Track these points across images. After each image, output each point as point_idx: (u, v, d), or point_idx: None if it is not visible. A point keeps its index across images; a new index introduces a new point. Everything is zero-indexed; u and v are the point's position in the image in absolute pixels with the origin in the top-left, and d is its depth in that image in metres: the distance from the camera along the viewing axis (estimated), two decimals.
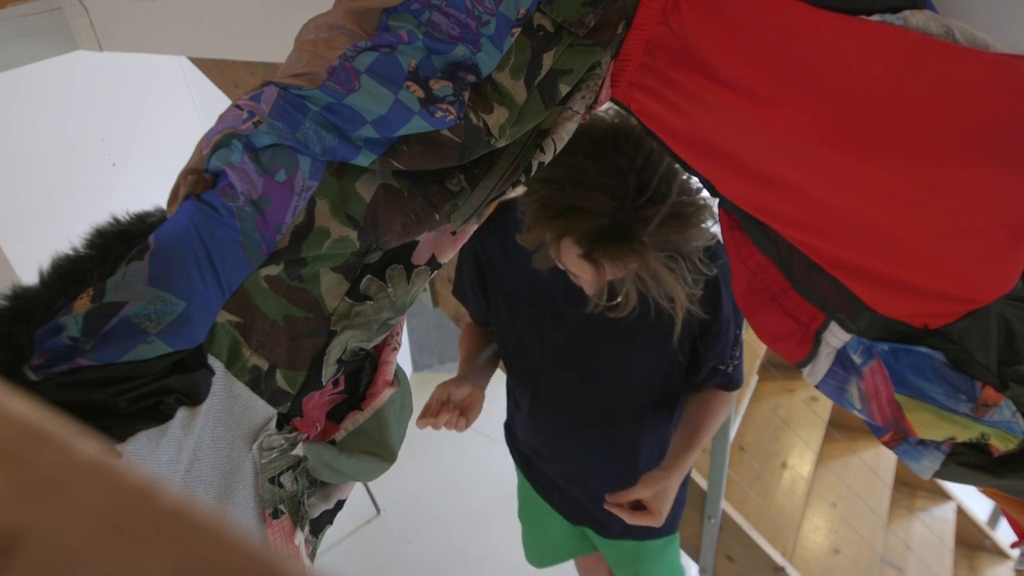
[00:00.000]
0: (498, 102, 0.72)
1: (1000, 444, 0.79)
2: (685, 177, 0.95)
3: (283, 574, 0.15)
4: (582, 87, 0.77)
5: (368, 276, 0.76)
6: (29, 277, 0.60)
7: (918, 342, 0.77)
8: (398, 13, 0.67)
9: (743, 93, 0.71)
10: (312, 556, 0.80)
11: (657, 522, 1.14)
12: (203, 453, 0.66)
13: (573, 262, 0.96)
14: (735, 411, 1.93)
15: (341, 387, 0.79)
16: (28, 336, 0.56)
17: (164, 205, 0.66)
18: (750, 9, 0.69)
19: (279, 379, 0.71)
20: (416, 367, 3.70)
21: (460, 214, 0.76)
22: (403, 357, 3.58)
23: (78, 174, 2.11)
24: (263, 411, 0.71)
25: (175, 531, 0.15)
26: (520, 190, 0.93)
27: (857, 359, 0.81)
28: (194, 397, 0.63)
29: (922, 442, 0.84)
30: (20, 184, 1.94)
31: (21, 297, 0.58)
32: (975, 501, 2.48)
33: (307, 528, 0.77)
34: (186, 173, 0.64)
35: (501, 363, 1.37)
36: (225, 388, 0.67)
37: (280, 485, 0.73)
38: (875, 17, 0.65)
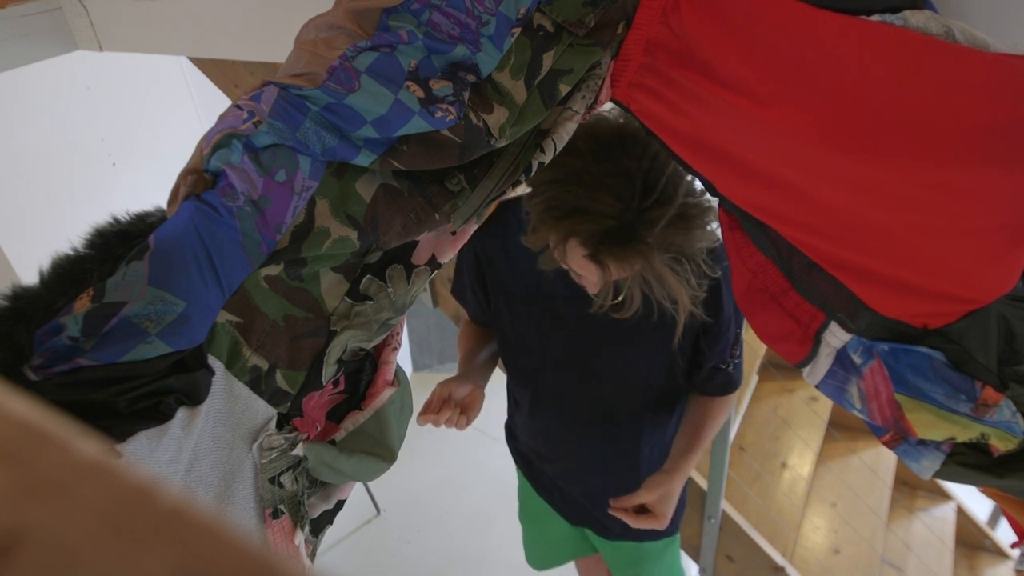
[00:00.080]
0: (498, 102, 0.72)
1: (1000, 444, 0.79)
2: (691, 179, 0.95)
3: (283, 574, 0.15)
4: (582, 87, 0.77)
5: (368, 276, 0.76)
6: (29, 277, 0.60)
7: (918, 342, 0.77)
8: (398, 13, 0.67)
9: (743, 93, 0.71)
10: (312, 556, 0.80)
11: (662, 525, 1.14)
12: (203, 453, 0.66)
13: (578, 263, 0.96)
14: (735, 411, 1.93)
15: (341, 387, 0.79)
16: (28, 336, 0.56)
17: (164, 205, 0.66)
18: (750, 9, 0.69)
19: (279, 379, 0.71)
20: (416, 367, 3.70)
21: (460, 214, 0.76)
22: (403, 357, 3.58)
23: (78, 174, 2.11)
24: (263, 411, 0.71)
25: (175, 531, 0.15)
26: (520, 190, 0.93)
27: (857, 359, 0.81)
28: (194, 397, 0.63)
29: (922, 442, 0.84)
30: (20, 184, 1.94)
31: (21, 297, 0.58)
32: (975, 501, 2.48)
33: (307, 528, 0.77)
34: (186, 173, 0.64)
35: (501, 362, 1.37)
36: (225, 388, 0.67)
37: (280, 485, 0.73)
38: (875, 17, 0.65)
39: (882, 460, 2.40)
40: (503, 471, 2.12)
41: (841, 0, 0.66)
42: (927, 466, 0.85)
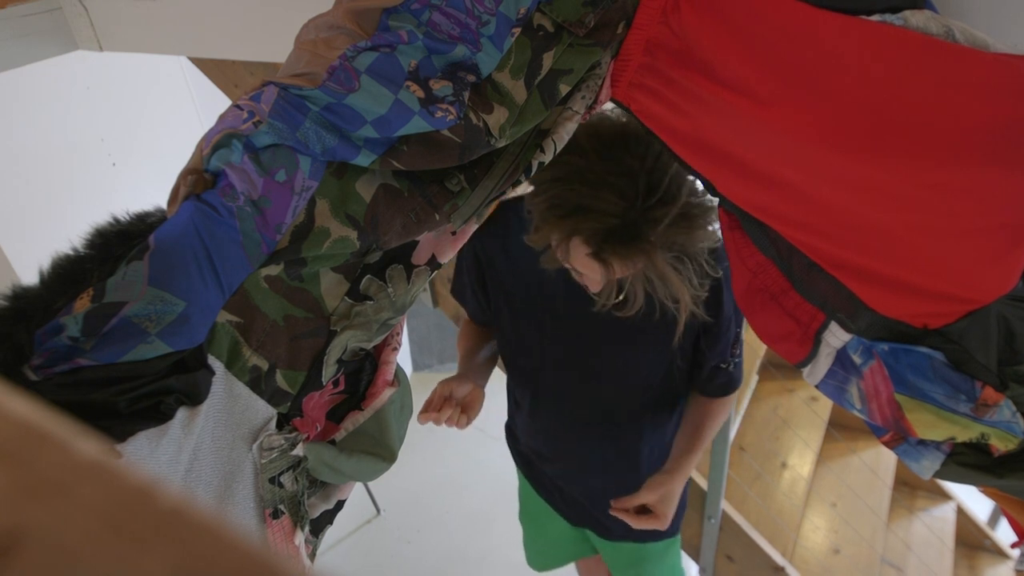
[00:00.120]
0: (498, 102, 0.72)
1: (1000, 444, 0.79)
2: (693, 179, 0.95)
3: (283, 574, 0.15)
4: (582, 87, 0.77)
5: (368, 276, 0.76)
6: (29, 277, 0.60)
7: (918, 342, 0.77)
8: (398, 13, 0.67)
9: (743, 93, 0.71)
10: (312, 556, 0.80)
11: (663, 525, 1.14)
12: (203, 453, 0.66)
13: (581, 261, 0.96)
14: (735, 411, 1.93)
15: (341, 387, 0.79)
16: (28, 336, 0.56)
17: (164, 205, 0.66)
18: (750, 9, 0.69)
19: (279, 379, 0.71)
20: (416, 367, 3.70)
21: (460, 214, 0.76)
22: (403, 357, 3.58)
23: (78, 174, 2.11)
24: (263, 411, 0.71)
25: (175, 531, 0.15)
26: (520, 190, 0.93)
27: (857, 359, 0.81)
28: (194, 397, 0.63)
29: (922, 442, 0.84)
30: (20, 184, 1.94)
31: (21, 297, 0.58)
32: (975, 501, 2.48)
33: (307, 528, 0.77)
34: (186, 173, 0.64)
35: (501, 362, 1.37)
36: (225, 388, 0.67)
37: (280, 485, 0.73)
38: (875, 17, 0.65)
39: (882, 460, 2.40)
40: (503, 471, 2.12)
41: (841, 0, 0.66)
42: (927, 466, 0.85)
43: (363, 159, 0.67)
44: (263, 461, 0.71)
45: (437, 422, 1.07)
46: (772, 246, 0.82)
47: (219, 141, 0.63)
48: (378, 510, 2.88)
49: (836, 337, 0.82)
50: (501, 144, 0.73)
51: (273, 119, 0.64)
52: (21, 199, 1.94)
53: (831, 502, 2.26)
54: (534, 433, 1.38)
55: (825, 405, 2.41)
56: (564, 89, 0.75)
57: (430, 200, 0.74)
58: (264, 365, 0.69)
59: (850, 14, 0.66)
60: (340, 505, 0.85)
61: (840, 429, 2.41)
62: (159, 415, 0.60)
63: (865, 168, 0.70)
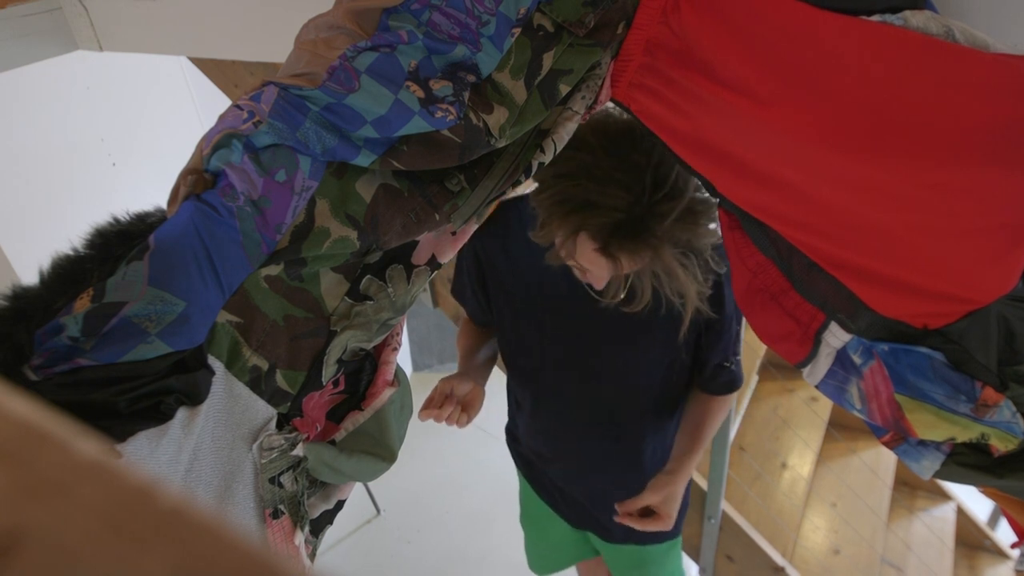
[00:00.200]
0: (498, 102, 0.72)
1: (1000, 444, 0.79)
2: None
3: (283, 574, 0.15)
4: (582, 87, 0.77)
5: (368, 276, 0.76)
6: (29, 277, 0.60)
7: (918, 342, 0.77)
8: (398, 13, 0.67)
9: (743, 93, 0.71)
10: (312, 556, 0.80)
11: (667, 526, 1.15)
12: (203, 453, 0.66)
13: (588, 257, 0.96)
14: (735, 411, 1.93)
15: (341, 387, 0.79)
16: (28, 336, 0.56)
17: (164, 205, 0.66)
18: (750, 9, 0.69)
19: (279, 379, 0.71)
20: (416, 367, 3.70)
21: (460, 214, 0.76)
22: (403, 357, 3.59)
23: (78, 174, 2.11)
24: (263, 411, 0.71)
25: (175, 531, 0.15)
26: (520, 190, 0.93)
27: (857, 359, 0.81)
28: (194, 397, 0.63)
29: (922, 442, 0.84)
30: (20, 184, 1.94)
31: (21, 297, 0.58)
32: (975, 501, 2.48)
33: (307, 528, 0.77)
34: (186, 173, 0.64)
35: (500, 362, 1.37)
36: (225, 388, 0.67)
37: (280, 485, 0.73)
38: (875, 17, 0.65)
39: (882, 460, 2.40)
40: (503, 471, 2.12)
41: (841, 0, 0.66)
42: (927, 466, 0.85)
43: (363, 159, 0.67)
44: (263, 461, 0.71)
45: (438, 419, 1.07)
46: (772, 246, 0.82)
47: (219, 141, 0.63)
48: (378, 510, 2.88)
49: (836, 337, 0.82)
50: (501, 144, 0.73)
51: (273, 119, 0.64)
52: (21, 199, 1.94)
53: (831, 502, 2.26)
54: (535, 433, 1.38)
55: (825, 405, 2.41)
56: (564, 89, 0.75)
57: (430, 200, 0.74)
58: (264, 365, 0.69)
59: (850, 14, 0.66)
60: (340, 505, 0.85)
61: (840, 429, 2.41)
62: (159, 415, 0.60)
63: (865, 168, 0.70)
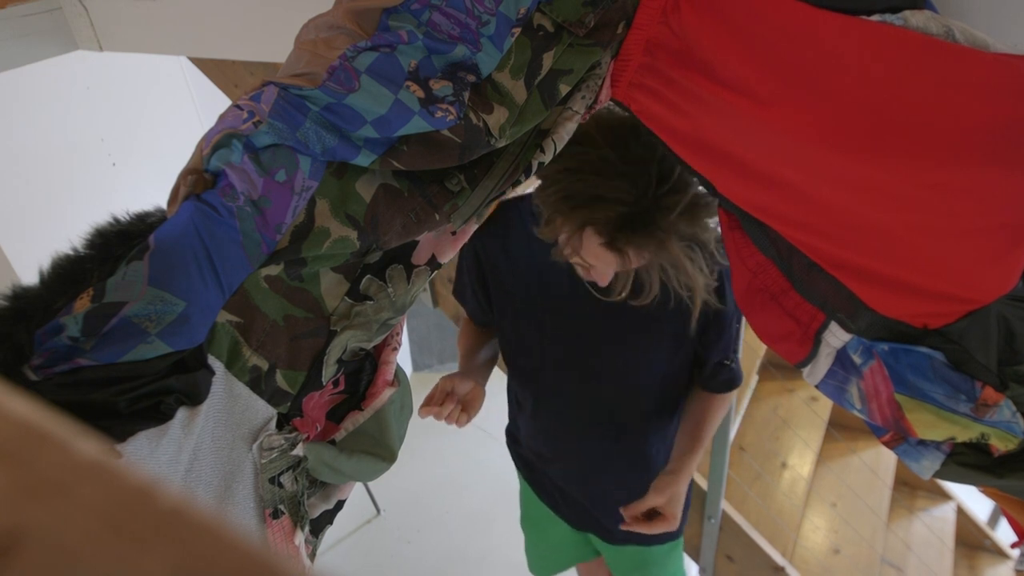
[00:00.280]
0: (498, 102, 0.72)
1: (1000, 444, 0.79)
2: None
3: (283, 574, 0.15)
4: (582, 87, 0.77)
5: (368, 276, 0.76)
6: (29, 277, 0.60)
7: (918, 342, 0.77)
8: (398, 13, 0.67)
9: (743, 93, 0.71)
10: (312, 556, 0.80)
11: (673, 526, 1.15)
12: (203, 453, 0.66)
13: (594, 252, 0.96)
14: (735, 411, 1.93)
15: (341, 387, 0.79)
16: (28, 336, 0.56)
17: (164, 205, 0.66)
18: (750, 9, 0.69)
19: (279, 379, 0.71)
20: (416, 367, 3.70)
21: (460, 214, 0.76)
22: (403, 357, 3.58)
23: (78, 174, 2.11)
24: (263, 411, 0.71)
25: (175, 531, 0.15)
26: (520, 190, 0.93)
27: (857, 359, 0.81)
28: (194, 397, 0.63)
29: (922, 442, 0.84)
30: (20, 184, 1.94)
31: (21, 297, 0.58)
32: (975, 501, 2.48)
33: (307, 528, 0.77)
34: (186, 173, 0.64)
35: (500, 362, 1.37)
36: (225, 388, 0.67)
37: (280, 485, 0.73)
38: (875, 17, 0.65)
39: (882, 460, 2.40)
40: (503, 471, 2.12)
41: (841, 0, 0.66)
42: (927, 466, 0.85)
43: (363, 159, 0.67)
44: (263, 461, 0.71)
45: (438, 417, 1.07)
46: (772, 246, 0.82)
47: (219, 141, 0.63)
48: (378, 510, 2.88)
49: (836, 337, 0.82)
50: (501, 144, 0.73)
51: (273, 119, 0.64)
52: (21, 199, 1.94)
53: (831, 502, 2.26)
54: (535, 434, 1.38)
55: (825, 405, 2.41)
56: (564, 89, 0.75)
57: (430, 200, 0.74)
58: (264, 365, 0.69)
59: (850, 14, 0.66)
60: (340, 505, 0.85)
61: (840, 429, 2.41)
62: (159, 415, 0.60)
63: (865, 168, 0.70)
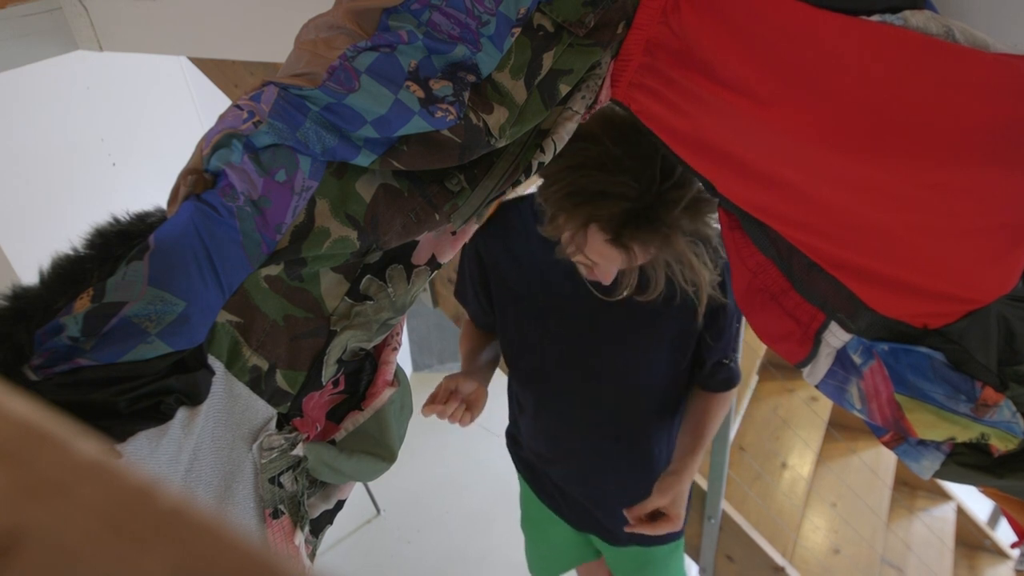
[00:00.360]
0: (498, 102, 0.72)
1: (1000, 444, 0.79)
2: None
3: (283, 574, 0.15)
4: (582, 87, 0.77)
5: (368, 276, 0.76)
6: (29, 277, 0.60)
7: (918, 342, 0.77)
8: (398, 13, 0.67)
9: (743, 93, 0.71)
10: (312, 556, 0.80)
11: (677, 526, 1.15)
12: (203, 453, 0.66)
13: (598, 249, 0.95)
14: (735, 411, 1.93)
15: (341, 387, 0.79)
16: (28, 336, 0.56)
17: (164, 205, 0.66)
18: (750, 9, 0.69)
19: (279, 379, 0.71)
20: (416, 367, 3.70)
21: (460, 214, 0.76)
22: (403, 357, 3.59)
23: (78, 174, 2.11)
24: (263, 411, 0.71)
25: (175, 531, 0.15)
26: (520, 190, 0.93)
27: (857, 359, 0.81)
28: (194, 397, 0.63)
29: (922, 442, 0.84)
30: (20, 184, 1.94)
31: (21, 297, 0.58)
32: (975, 501, 2.48)
33: (307, 528, 0.77)
34: (186, 173, 0.64)
35: (502, 363, 1.37)
36: (225, 388, 0.67)
37: (280, 485, 0.73)
38: (875, 17, 0.65)
39: (882, 460, 2.40)
40: (504, 471, 2.11)
41: (841, 0, 0.66)
42: (927, 466, 0.85)
43: (363, 159, 0.67)
44: (263, 461, 0.71)
45: (441, 415, 1.07)
46: (772, 246, 0.82)
47: (219, 141, 0.63)
48: (378, 510, 2.88)
49: (836, 337, 0.82)
50: (501, 144, 0.73)
51: (273, 119, 0.64)
52: (21, 199, 1.94)
53: (831, 502, 2.26)
54: (536, 434, 1.38)
55: (825, 405, 2.41)
56: (564, 89, 0.75)
57: (430, 200, 0.74)
58: (264, 365, 0.69)
59: (850, 14, 0.66)
60: (340, 505, 0.85)
61: (840, 429, 2.41)
62: (159, 415, 0.60)
63: (865, 168, 0.70)
